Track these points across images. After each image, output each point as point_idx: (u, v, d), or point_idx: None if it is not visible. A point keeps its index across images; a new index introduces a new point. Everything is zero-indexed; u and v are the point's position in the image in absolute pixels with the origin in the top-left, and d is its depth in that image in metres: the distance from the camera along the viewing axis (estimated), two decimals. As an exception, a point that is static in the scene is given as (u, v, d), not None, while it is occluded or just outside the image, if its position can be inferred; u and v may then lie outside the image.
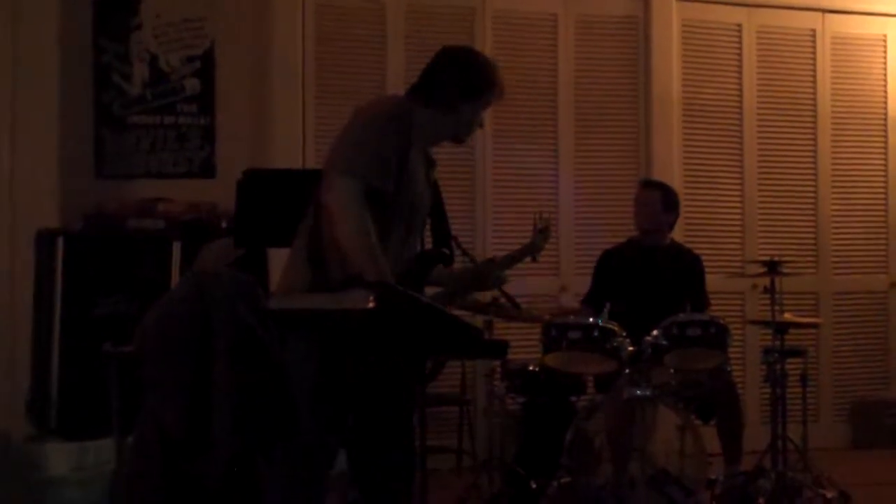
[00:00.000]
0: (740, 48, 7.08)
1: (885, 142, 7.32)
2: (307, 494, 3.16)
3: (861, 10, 7.27)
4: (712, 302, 5.67)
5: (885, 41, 7.33)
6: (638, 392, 4.71)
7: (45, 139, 5.53)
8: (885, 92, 7.33)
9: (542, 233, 4.78)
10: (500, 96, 3.53)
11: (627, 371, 4.79)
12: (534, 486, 4.85)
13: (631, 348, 4.79)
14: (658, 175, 6.44)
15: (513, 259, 4.51)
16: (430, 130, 3.41)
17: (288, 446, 3.13)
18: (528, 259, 4.78)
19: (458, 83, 3.42)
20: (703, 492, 4.62)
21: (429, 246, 3.53)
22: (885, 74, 7.34)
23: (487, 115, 6.20)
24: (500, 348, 3.41)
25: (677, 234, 6.12)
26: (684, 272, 5.52)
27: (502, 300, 4.96)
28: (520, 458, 5.02)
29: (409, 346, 3.03)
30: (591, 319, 4.88)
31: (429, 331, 2.97)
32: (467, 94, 3.43)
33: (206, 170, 6.12)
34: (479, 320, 4.99)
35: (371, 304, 2.84)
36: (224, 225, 5.33)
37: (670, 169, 6.76)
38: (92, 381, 4.06)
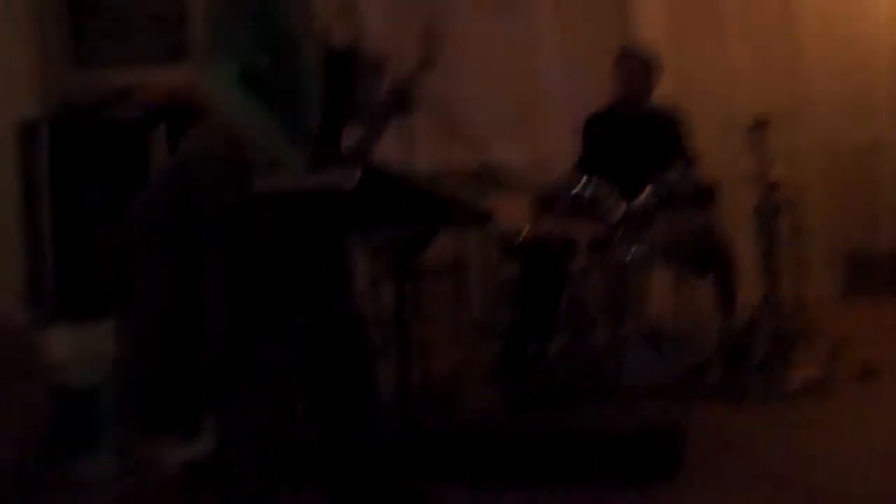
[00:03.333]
0: None
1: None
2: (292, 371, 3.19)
3: None
4: (701, 158, 5.66)
5: None
6: (631, 252, 4.74)
7: (21, 28, 5.44)
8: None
9: (431, 37, 4.57)
10: None
11: (618, 233, 4.81)
12: (531, 350, 4.90)
13: (622, 210, 4.81)
14: (643, 30, 6.38)
15: (415, 73, 4.24)
16: None
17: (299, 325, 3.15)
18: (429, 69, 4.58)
19: None
20: (698, 347, 4.68)
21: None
22: None
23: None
24: (484, 218, 3.40)
25: (665, 91, 6.08)
26: (668, 136, 5.50)
27: (489, 168, 4.94)
28: (516, 325, 5.06)
29: (395, 219, 3.03)
30: (581, 183, 4.88)
31: (412, 202, 2.97)
32: None
33: (177, 55, 6.01)
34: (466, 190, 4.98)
35: (355, 181, 2.83)
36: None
37: (655, 22, 6.71)
38: (87, 266, 4.08)
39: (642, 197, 4.85)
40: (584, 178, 5.01)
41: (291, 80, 3.13)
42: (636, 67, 5.53)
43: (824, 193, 7.13)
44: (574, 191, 4.86)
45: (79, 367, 3.88)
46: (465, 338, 5.35)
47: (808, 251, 6.82)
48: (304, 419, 3.55)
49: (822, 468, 3.88)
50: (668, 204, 4.86)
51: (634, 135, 5.47)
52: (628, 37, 6.55)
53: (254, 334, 3.06)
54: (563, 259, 5.12)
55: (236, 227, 3.11)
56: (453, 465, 3.79)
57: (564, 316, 4.76)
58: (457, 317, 5.41)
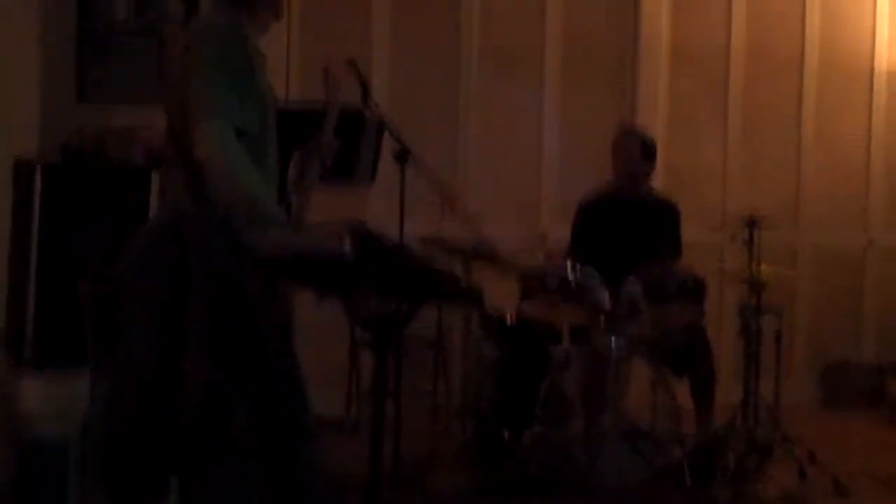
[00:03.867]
0: (731, -6, 7.01)
1: (870, 96, 7.27)
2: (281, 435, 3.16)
3: (852, -42, 7.20)
4: (690, 253, 5.68)
5: (875, -7, 7.27)
6: (613, 345, 4.72)
7: (26, 65, 5.43)
8: (873, 46, 7.27)
9: (331, 80, 4.53)
10: None
11: (603, 323, 4.80)
12: (506, 434, 4.87)
13: (608, 300, 4.80)
14: (642, 119, 6.42)
15: (325, 124, 4.20)
16: (257, 24, 3.27)
17: (265, 389, 3.13)
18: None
19: None
20: (673, 447, 4.65)
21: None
22: (873, 27, 7.27)
23: (469, 55, 6.24)
24: (476, 296, 3.37)
25: (660, 182, 6.12)
26: (662, 223, 5.50)
27: (481, 245, 4.94)
28: (494, 407, 5.03)
29: (384, 290, 3.01)
30: (568, 269, 4.87)
31: (404, 275, 2.95)
32: None
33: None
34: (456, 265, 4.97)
35: (349, 247, 2.82)
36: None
37: (654, 114, 6.72)
38: (68, 314, 4.03)
39: (629, 287, 4.84)
40: (573, 264, 5.02)
41: (265, 140, 3.18)
42: (635, 149, 5.53)
43: (812, 298, 7.14)
44: (562, 275, 4.85)
45: (52, 420, 3.84)
46: (443, 416, 5.33)
47: (789, 356, 6.87)
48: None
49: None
50: (655, 297, 4.85)
51: (628, 219, 5.47)
52: (629, 121, 6.59)
53: (231, 400, 3.03)
54: (546, 343, 5.11)
55: (223, 287, 3.08)
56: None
57: (543, 402, 4.72)
58: (435, 393, 5.39)
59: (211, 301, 3.11)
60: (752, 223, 5.34)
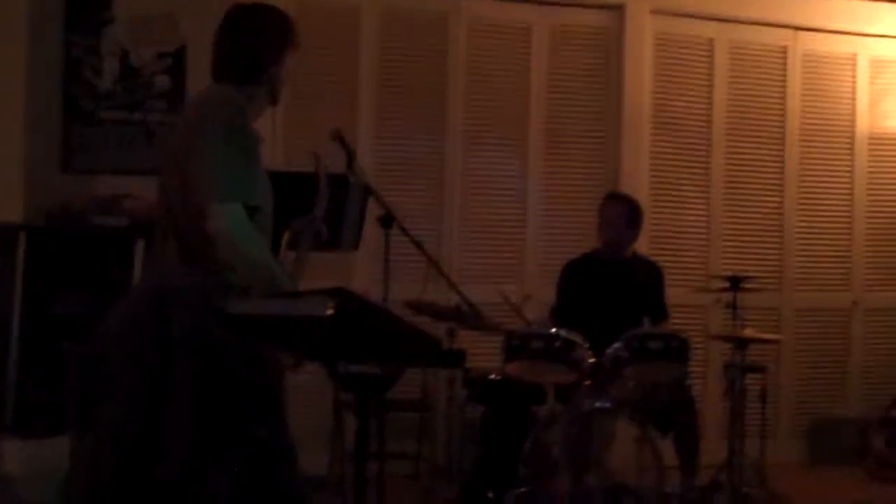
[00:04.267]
0: (712, 62, 7.10)
1: (852, 161, 7.37)
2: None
3: (832, 28, 7.30)
4: (675, 315, 5.73)
5: (854, 60, 7.38)
6: (597, 404, 4.73)
7: (11, 132, 5.49)
8: (854, 111, 7.39)
9: (319, 163, 4.57)
10: (298, 43, 3.43)
11: (587, 382, 4.81)
12: (490, 495, 4.86)
13: (592, 360, 4.82)
14: (626, 186, 6.48)
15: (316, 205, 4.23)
16: (254, 108, 3.35)
17: (244, 454, 3.13)
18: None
19: (262, 49, 3.34)
20: (658, 505, 4.64)
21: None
22: (853, 93, 7.39)
23: (453, 122, 6.31)
24: (457, 357, 3.39)
25: (643, 246, 6.18)
26: (646, 285, 5.56)
27: (465, 308, 4.97)
28: (478, 467, 5.03)
29: (366, 353, 3.03)
30: (553, 330, 4.90)
31: (386, 338, 2.97)
32: (273, 56, 3.35)
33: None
34: (440, 328, 5.00)
35: (331, 311, 2.83)
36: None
37: (638, 180, 6.79)
38: (49, 378, 4.04)
39: (613, 347, 4.86)
40: (557, 325, 5.06)
41: (266, 217, 3.25)
42: (620, 213, 5.60)
43: (796, 357, 7.17)
44: (546, 336, 4.88)
45: (32, 483, 3.83)
46: (427, 476, 5.32)
47: (775, 414, 6.89)
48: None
49: None
50: (639, 356, 4.87)
51: (612, 280, 5.53)
52: (616, 183, 6.66)
53: (212, 463, 3.04)
54: (530, 404, 5.11)
55: (208, 352, 3.11)
56: None
57: (527, 462, 4.71)
58: (420, 454, 5.38)
59: (194, 364, 3.14)
60: (735, 283, 5.40)
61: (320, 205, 3.71)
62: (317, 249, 3.65)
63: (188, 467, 3.04)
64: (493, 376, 5.14)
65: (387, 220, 4.68)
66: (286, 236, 3.66)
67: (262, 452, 3.18)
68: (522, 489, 4.64)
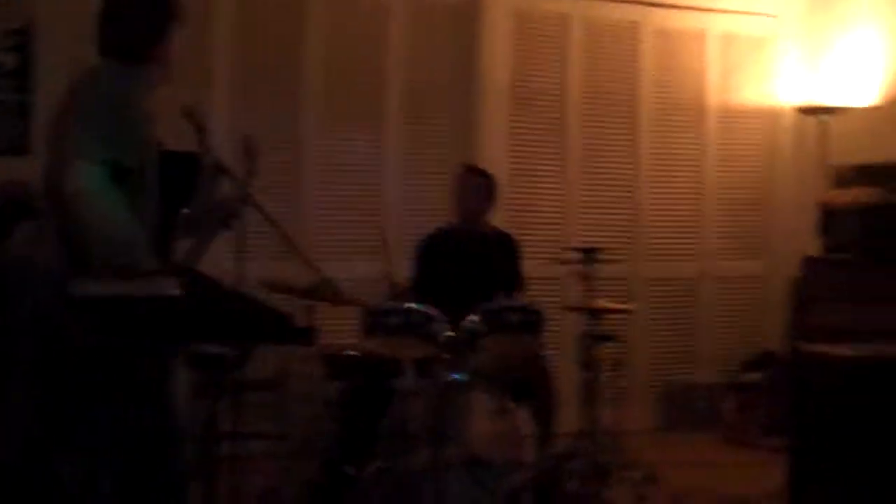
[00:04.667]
0: (567, 38, 7.21)
1: (702, 135, 7.57)
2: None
3: (682, 4, 7.49)
4: (532, 287, 5.82)
5: (703, 36, 7.56)
6: (455, 376, 4.78)
7: None
8: (704, 85, 7.58)
9: (249, 150, 4.61)
10: (184, 19, 3.46)
11: (445, 356, 4.86)
12: (350, 471, 4.88)
13: (449, 333, 4.87)
14: (484, 161, 6.53)
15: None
16: (142, 85, 3.33)
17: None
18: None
19: (144, 27, 3.35)
20: (515, 474, 4.71)
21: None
22: (703, 68, 7.58)
23: (309, 98, 6.26)
24: (308, 335, 3.40)
25: (501, 220, 6.24)
26: (502, 257, 5.62)
27: (322, 284, 4.96)
28: (337, 444, 5.03)
29: (216, 334, 3.02)
30: (410, 304, 4.94)
31: (235, 317, 2.97)
32: (157, 34, 3.36)
33: (20, 147, 5.92)
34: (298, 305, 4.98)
35: (178, 291, 2.82)
36: (37, 205, 5.19)
37: (496, 155, 6.87)
38: None
39: (470, 320, 4.92)
40: (415, 298, 5.10)
41: (142, 189, 3.18)
42: (475, 185, 5.66)
43: (649, 326, 7.36)
44: (403, 310, 4.91)
45: None
46: (283, 455, 5.30)
47: (629, 383, 7.05)
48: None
49: None
50: (495, 328, 4.93)
51: (468, 253, 5.58)
52: (476, 159, 6.71)
53: (54, 451, 3.00)
54: (388, 378, 5.14)
55: (49, 330, 3.06)
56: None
57: (386, 437, 4.74)
58: (276, 433, 5.36)
59: (36, 346, 3.08)
60: (589, 255, 5.51)
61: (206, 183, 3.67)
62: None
63: (28, 453, 2.99)
64: (350, 352, 5.15)
65: (241, 198, 4.63)
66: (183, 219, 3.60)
67: (135, 437, 3.14)
68: (382, 464, 4.67)
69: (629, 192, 7.38)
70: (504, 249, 5.70)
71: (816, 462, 5.29)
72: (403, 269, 5.78)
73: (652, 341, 7.39)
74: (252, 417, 4.70)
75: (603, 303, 5.61)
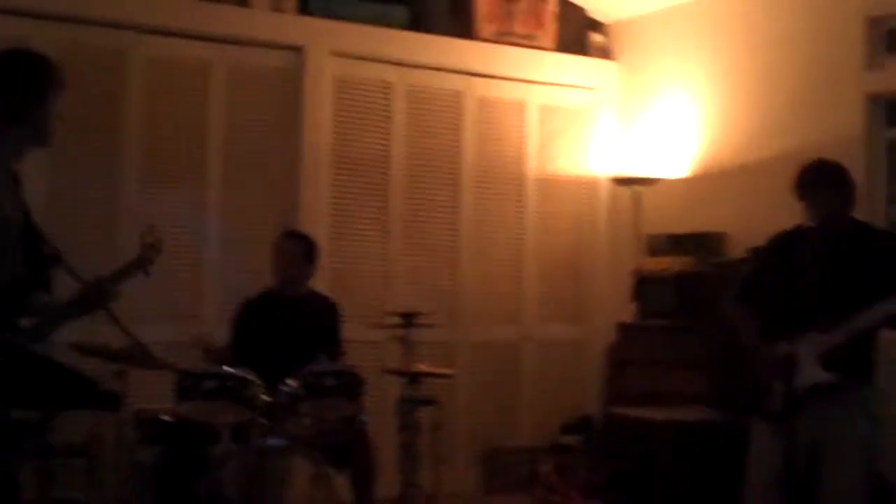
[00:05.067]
0: (390, 105, 7.29)
1: (522, 201, 7.73)
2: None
3: (503, 75, 7.66)
4: (354, 351, 5.82)
5: (523, 106, 7.75)
6: (272, 442, 4.73)
7: None
8: (524, 154, 7.76)
9: (152, 246, 4.64)
10: (63, 85, 3.43)
11: (262, 421, 4.81)
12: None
13: (266, 398, 4.83)
14: (305, 225, 6.54)
15: (121, 273, 4.24)
16: (16, 148, 3.34)
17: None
18: (141, 273, 4.62)
19: (21, 90, 3.32)
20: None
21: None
22: (524, 137, 7.76)
23: (129, 157, 6.15)
24: (113, 399, 3.33)
25: (322, 284, 6.24)
26: (321, 321, 5.60)
27: (135, 348, 4.86)
28: (151, 510, 4.91)
29: (17, 397, 2.93)
30: (225, 368, 4.89)
31: (38, 381, 2.89)
32: (34, 99, 3.34)
33: None
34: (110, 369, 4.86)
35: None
36: None
37: (317, 219, 6.86)
38: None
39: (288, 385, 4.88)
40: (232, 363, 5.05)
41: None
42: (295, 250, 5.64)
43: (470, 390, 7.41)
44: (219, 374, 4.85)
45: None
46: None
47: (449, 446, 7.07)
48: None
49: None
50: (313, 392, 4.91)
51: (288, 317, 5.54)
52: (297, 223, 6.70)
53: None
54: (204, 444, 5.04)
55: None
56: None
57: (202, 502, 4.64)
58: (87, 499, 5.20)
59: None
60: (408, 319, 5.55)
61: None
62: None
63: None
64: (164, 417, 5.04)
65: (51, 260, 4.52)
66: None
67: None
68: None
69: (451, 257, 7.46)
70: (324, 314, 5.69)
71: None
72: (221, 333, 5.72)
73: (472, 405, 7.45)
74: (62, 484, 4.56)
75: (422, 367, 5.64)
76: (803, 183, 4.23)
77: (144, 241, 4.25)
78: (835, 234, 3.97)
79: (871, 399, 4.13)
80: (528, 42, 7.73)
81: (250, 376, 4.85)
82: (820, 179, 4.20)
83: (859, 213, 5.72)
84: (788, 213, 4.14)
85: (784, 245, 4.36)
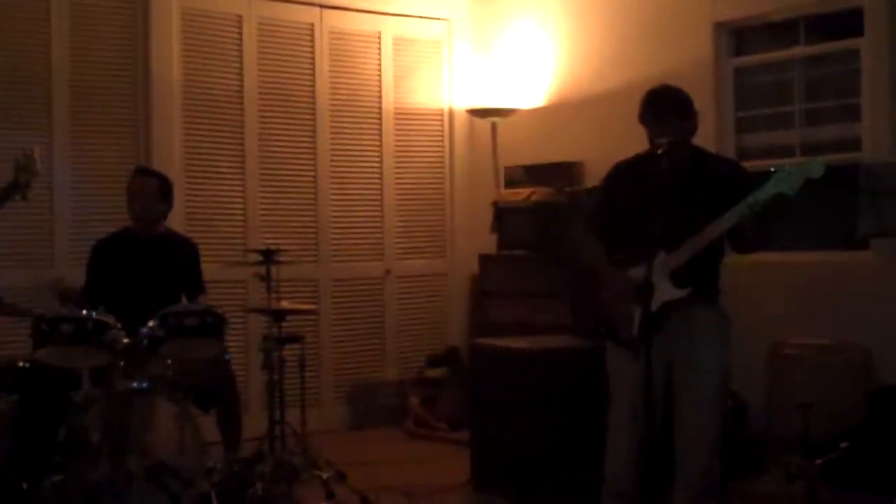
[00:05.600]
0: (241, 39, 7.13)
1: (380, 135, 7.69)
2: None
3: (357, 7, 7.57)
4: (215, 290, 5.73)
5: (379, 38, 7.68)
6: (134, 384, 4.64)
7: None
8: (380, 87, 7.70)
9: (26, 168, 4.51)
10: None
11: (122, 363, 4.71)
12: (25, 486, 4.63)
13: (126, 340, 4.73)
14: (158, 164, 6.38)
15: None
16: None
17: None
18: (17, 199, 4.50)
19: None
20: (201, 481, 4.63)
21: None
22: (379, 70, 7.70)
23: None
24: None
25: (178, 224, 6.12)
26: (180, 261, 5.48)
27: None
28: (11, 458, 4.77)
29: None
30: (83, 312, 4.77)
31: None
32: None
33: None
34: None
35: None
36: None
37: (170, 157, 6.71)
38: None
39: (148, 326, 4.79)
40: (89, 305, 4.92)
41: None
42: (148, 187, 5.47)
43: (335, 326, 7.40)
44: (76, 318, 4.72)
45: None
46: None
47: (316, 383, 7.08)
48: None
49: None
50: (175, 333, 4.82)
51: (145, 257, 5.40)
52: (148, 161, 6.53)
53: None
54: (64, 388, 4.93)
55: None
56: None
57: (63, 449, 4.53)
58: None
59: None
60: (268, 256, 5.48)
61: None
62: None
63: None
64: (21, 364, 4.90)
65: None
66: None
67: None
68: (58, 477, 4.47)
69: (311, 192, 7.39)
70: (182, 253, 5.56)
71: (495, 452, 5.49)
72: (76, 278, 5.57)
73: (338, 341, 7.43)
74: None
75: (286, 304, 5.59)
76: (648, 111, 4.31)
77: (18, 164, 4.09)
78: (677, 161, 4.05)
79: (721, 320, 4.26)
80: (380, -28, 7.66)
81: (109, 319, 4.73)
82: (664, 109, 4.27)
83: (709, 139, 5.97)
84: (643, 141, 4.19)
85: (627, 173, 4.45)
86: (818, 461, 4.79)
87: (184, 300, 4.95)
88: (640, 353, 3.83)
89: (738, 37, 6.53)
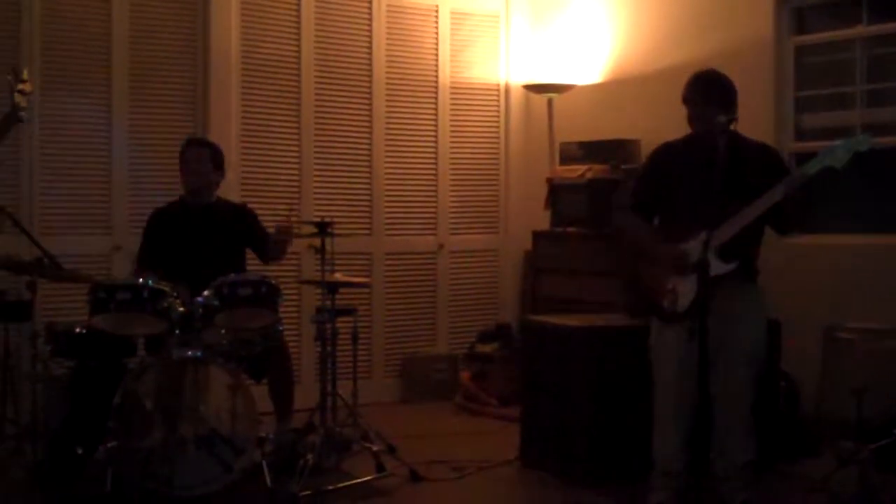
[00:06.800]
0: (299, 12, 7.14)
1: (436, 110, 7.67)
2: None
3: (414, -19, 7.57)
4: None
5: (436, 12, 7.66)
6: (188, 353, 4.69)
7: None
8: (437, 61, 7.68)
9: (20, 92, 4.49)
10: None
11: (178, 332, 4.76)
12: (80, 451, 4.71)
13: (182, 308, 4.78)
14: (214, 133, 6.43)
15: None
16: None
17: None
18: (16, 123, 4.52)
19: None
20: (253, 450, 4.68)
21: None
22: (436, 44, 7.68)
23: (34, 71, 5.94)
24: (21, 309, 3.24)
25: (234, 193, 6.16)
26: (231, 228, 5.51)
27: (45, 260, 4.78)
28: (67, 424, 4.85)
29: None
30: (139, 280, 4.83)
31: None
32: None
33: None
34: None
35: None
36: None
37: (228, 130, 6.74)
38: None
39: (203, 295, 4.83)
40: (145, 274, 4.98)
41: None
42: (200, 156, 5.50)
43: (388, 299, 7.42)
44: (133, 286, 4.78)
45: None
46: (10, 436, 5.07)
47: (367, 356, 7.12)
48: None
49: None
50: (229, 303, 4.87)
51: (199, 226, 5.44)
52: (206, 130, 6.58)
53: None
54: (120, 356, 4.99)
55: None
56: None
57: (118, 415, 4.60)
58: (4, 414, 5.12)
59: None
60: (323, 229, 5.49)
61: None
62: None
63: None
64: (78, 330, 4.97)
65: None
66: None
67: None
68: (113, 443, 4.53)
69: (366, 165, 7.39)
70: (237, 219, 5.58)
71: (544, 429, 5.49)
72: (134, 245, 5.63)
73: (390, 315, 7.45)
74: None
75: (339, 276, 5.62)
76: (692, 97, 4.40)
77: (13, 89, 4.09)
78: (717, 145, 4.08)
79: (761, 296, 4.40)
80: (439, -53, 7.63)
81: (165, 287, 4.78)
82: (711, 93, 4.37)
83: (769, 119, 5.92)
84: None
85: (676, 152, 4.51)
86: (871, 446, 4.74)
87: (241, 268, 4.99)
88: (691, 329, 3.87)
89: (799, 15, 6.45)
